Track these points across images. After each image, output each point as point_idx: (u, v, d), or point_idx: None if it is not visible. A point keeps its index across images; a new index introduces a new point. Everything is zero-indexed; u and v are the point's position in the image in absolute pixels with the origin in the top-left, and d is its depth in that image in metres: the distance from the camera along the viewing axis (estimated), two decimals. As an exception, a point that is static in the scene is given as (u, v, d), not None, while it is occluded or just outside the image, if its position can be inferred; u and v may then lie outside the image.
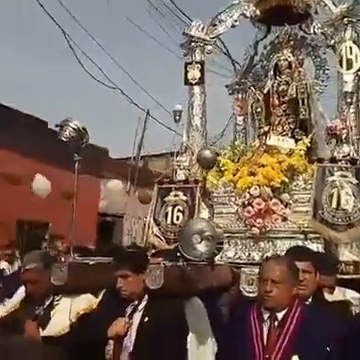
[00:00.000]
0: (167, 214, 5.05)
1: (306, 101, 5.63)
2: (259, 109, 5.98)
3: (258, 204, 4.71)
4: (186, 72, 5.85)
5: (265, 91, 6.04)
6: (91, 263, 3.54)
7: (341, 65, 5.30)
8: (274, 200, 4.77)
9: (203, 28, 5.99)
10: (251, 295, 3.18)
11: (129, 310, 3.15)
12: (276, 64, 6.08)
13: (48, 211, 10.45)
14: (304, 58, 6.19)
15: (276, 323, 2.80)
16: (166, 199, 5.13)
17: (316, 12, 5.94)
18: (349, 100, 5.08)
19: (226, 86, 6.68)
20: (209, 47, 6.01)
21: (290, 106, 5.77)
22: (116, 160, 14.75)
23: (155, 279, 3.08)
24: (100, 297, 3.39)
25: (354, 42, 5.37)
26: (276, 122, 5.81)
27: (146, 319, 3.09)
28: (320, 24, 5.90)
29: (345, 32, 5.42)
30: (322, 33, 5.92)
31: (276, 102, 5.90)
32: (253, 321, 2.85)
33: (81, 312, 3.30)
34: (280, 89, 5.90)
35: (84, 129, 3.85)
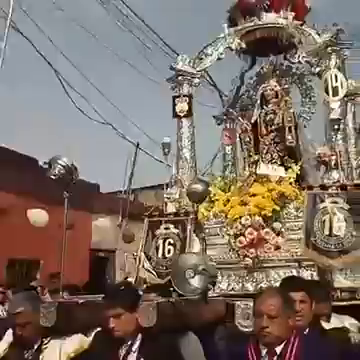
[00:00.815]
0: (158, 248, 4.96)
1: (293, 129, 5.67)
2: (247, 138, 6.01)
3: (250, 234, 4.66)
4: (174, 105, 5.91)
5: (253, 120, 6.09)
6: (80, 302, 3.41)
7: (327, 93, 5.34)
8: (266, 229, 4.72)
9: (190, 62, 6.07)
10: (247, 330, 3.08)
11: (123, 352, 3.00)
12: (262, 94, 6.14)
13: (39, 248, 10.30)
14: (290, 87, 6.26)
15: (275, 358, 2.72)
16: (157, 232, 5.05)
17: (300, 42, 6.02)
18: (336, 127, 5.10)
19: (214, 116, 6.73)
20: (196, 80, 6.10)
21: (278, 134, 5.82)
22: (107, 194, 14.65)
23: (148, 316, 2.97)
24: (91, 337, 3.26)
25: (339, 69, 5.43)
26: (265, 151, 5.83)
27: None
28: (305, 53, 5.97)
29: (330, 60, 5.49)
30: (307, 61, 5.99)
31: (264, 131, 5.94)
32: (251, 357, 2.76)
33: (71, 354, 3.15)
34: (267, 118, 5.95)
35: (73, 166, 3.78)
